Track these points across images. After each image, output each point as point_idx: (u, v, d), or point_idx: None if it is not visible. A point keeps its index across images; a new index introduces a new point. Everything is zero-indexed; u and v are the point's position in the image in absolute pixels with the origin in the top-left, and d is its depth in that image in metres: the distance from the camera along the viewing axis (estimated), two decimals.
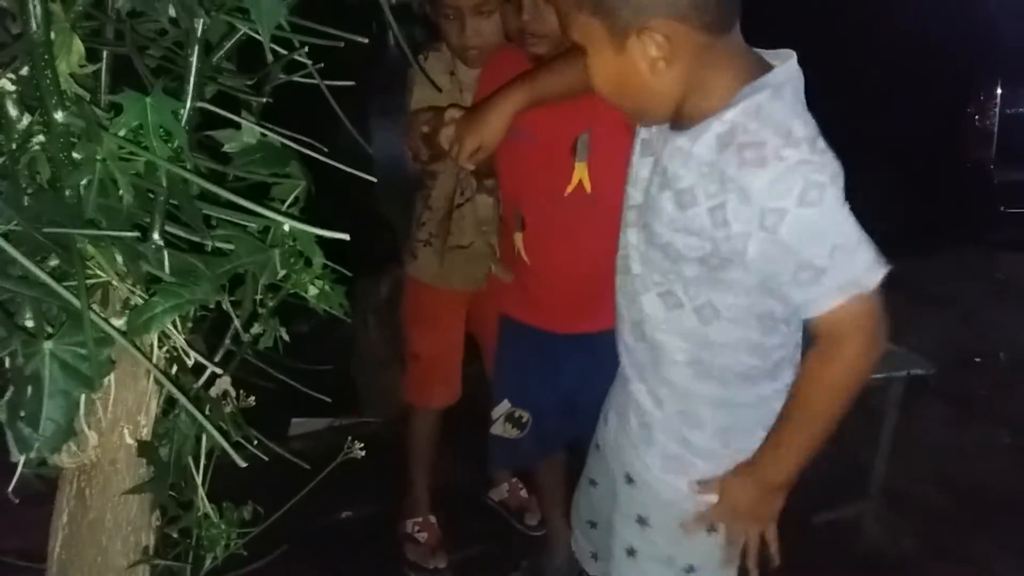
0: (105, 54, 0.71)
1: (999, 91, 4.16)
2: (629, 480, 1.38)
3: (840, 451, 2.83)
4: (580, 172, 1.69)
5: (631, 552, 1.39)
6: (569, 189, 1.70)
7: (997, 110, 4.17)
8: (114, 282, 0.65)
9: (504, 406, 1.97)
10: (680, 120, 1.12)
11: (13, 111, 0.63)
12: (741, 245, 1.07)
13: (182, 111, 0.65)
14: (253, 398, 0.89)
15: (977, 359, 3.65)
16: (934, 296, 4.36)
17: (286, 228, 0.68)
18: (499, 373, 2.02)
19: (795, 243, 1.05)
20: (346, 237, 0.63)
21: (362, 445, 0.90)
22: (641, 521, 1.36)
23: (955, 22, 4.62)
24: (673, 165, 1.12)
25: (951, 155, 4.33)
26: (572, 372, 1.85)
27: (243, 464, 0.76)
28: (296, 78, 0.86)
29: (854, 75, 4.55)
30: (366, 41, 0.76)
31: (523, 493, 2.51)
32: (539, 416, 1.96)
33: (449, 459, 2.42)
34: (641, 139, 1.25)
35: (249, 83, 0.82)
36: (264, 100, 0.85)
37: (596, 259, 1.66)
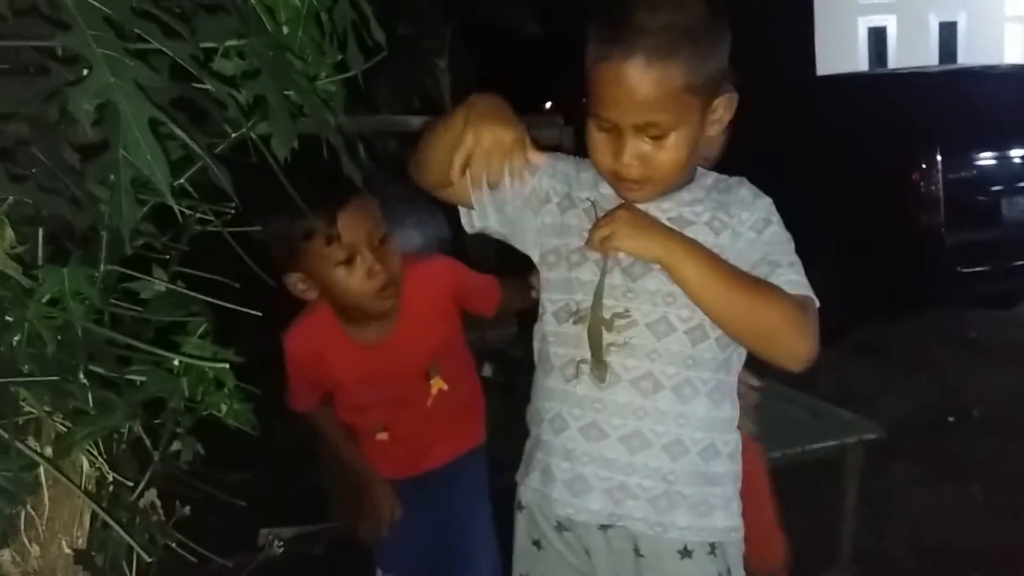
0: (40, 232, 0.88)
1: (939, 159, 4.39)
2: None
3: (809, 521, 2.91)
4: (437, 383, 1.77)
5: None
6: (430, 401, 1.77)
7: (940, 176, 4.38)
8: (42, 416, 0.79)
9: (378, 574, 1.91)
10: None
11: None
12: (737, 245, 1.26)
13: (97, 274, 0.81)
14: (188, 508, 1.01)
15: (951, 418, 3.73)
16: (905, 359, 4.46)
17: (175, 362, 0.83)
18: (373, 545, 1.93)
19: (772, 243, 1.26)
20: (226, 366, 0.78)
21: (281, 543, 1.00)
22: None
23: (893, 103, 4.90)
24: (678, 209, 1.27)
25: (904, 223, 4.52)
26: (437, 509, 1.82)
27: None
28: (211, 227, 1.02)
29: (805, 159, 4.80)
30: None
31: None
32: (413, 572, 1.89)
33: None
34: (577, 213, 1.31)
35: (166, 239, 0.98)
36: (183, 248, 1.02)
37: (470, 388, 1.88)
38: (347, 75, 0.81)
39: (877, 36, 18.01)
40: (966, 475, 3.24)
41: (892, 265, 4.52)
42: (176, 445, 0.91)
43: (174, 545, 0.95)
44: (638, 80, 1.14)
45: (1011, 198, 4.66)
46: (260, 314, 0.89)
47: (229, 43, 0.69)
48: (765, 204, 1.29)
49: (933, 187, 4.38)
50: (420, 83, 7.13)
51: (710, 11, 1.17)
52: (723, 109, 1.24)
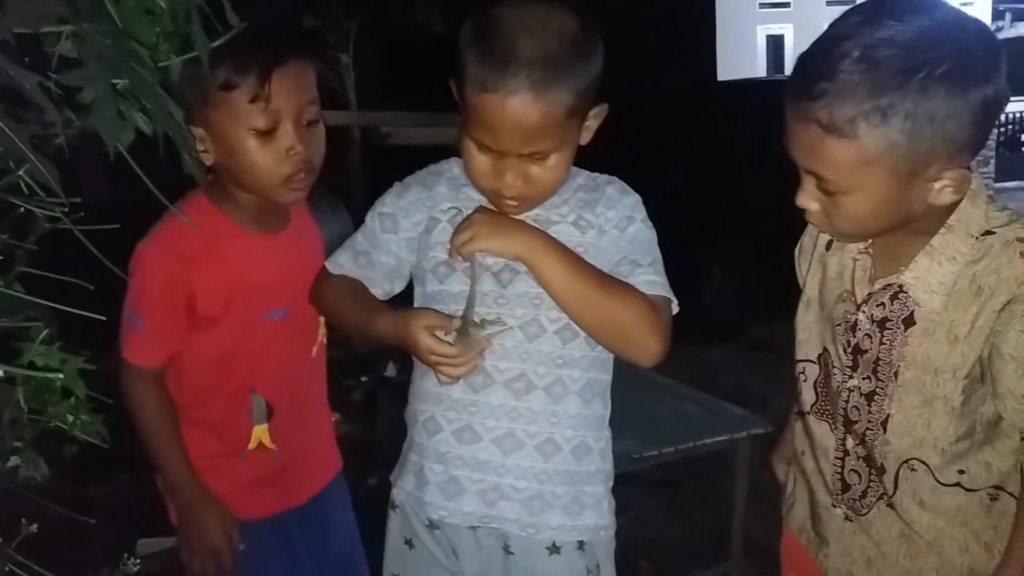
0: None
1: None
2: None
3: (703, 514, 2.96)
4: (322, 326, 1.60)
5: None
6: (315, 349, 1.59)
7: None
8: None
9: None
10: None
11: None
12: (600, 241, 1.28)
13: None
14: (35, 526, 0.94)
15: None
16: None
17: (1, 372, 0.77)
18: None
19: (634, 242, 1.29)
20: (60, 375, 0.73)
21: (137, 561, 0.95)
22: None
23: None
24: (546, 213, 1.28)
25: (797, 225, 4.67)
26: (306, 543, 1.63)
27: None
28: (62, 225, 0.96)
29: (704, 161, 4.91)
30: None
31: None
32: None
33: None
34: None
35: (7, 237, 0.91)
36: (31, 248, 0.95)
37: (326, 406, 1.71)
38: (190, 55, 0.76)
39: (775, 43, 18.71)
40: None
41: (786, 266, 4.67)
42: (14, 460, 0.85)
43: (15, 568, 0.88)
44: (525, 113, 1.14)
45: None
46: (104, 318, 0.83)
47: (50, 28, 0.64)
48: (631, 202, 1.31)
49: None
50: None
51: (584, 26, 1.17)
52: (595, 119, 1.25)
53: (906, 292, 1.18)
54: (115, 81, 0.67)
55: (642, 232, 1.29)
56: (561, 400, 1.26)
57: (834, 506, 1.30)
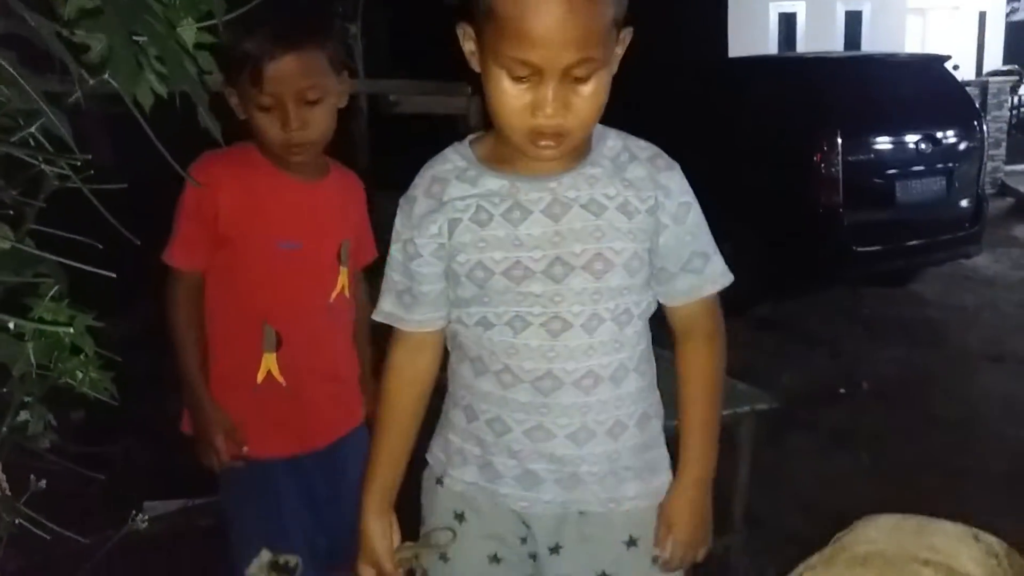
0: None
1: (839, 141, 4.53)
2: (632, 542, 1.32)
3: None
4: (343, 278, 1.69)
5: None
6: (334, 295, 1.68)
7: (840, 158, 4.52)
8: None
9: (264, 556, 1.71)
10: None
11: None
12: (659, 239, 1.26)
13: None
14: (44, 482, 0.95)
15: (842, 390, 3.89)
16: (806, 335, 4.64)
17: (11, 325, 0.77)
18: (244, 524, 1.72)
19: (695, 231, 1.28)
20: (70, 329, 0.73)
21: (145, 518, 0.95)
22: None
23: (799, 85, 5.02)
24: (590, 192, 1.22)
25: (805, 202, 4.65)
26: (325, 487, 1.72)
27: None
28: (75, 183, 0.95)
29: (714, 137, 4.88)
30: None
31: None
32: (308, 553, 1.72)
33: None
34: (465, 219, 1.23)
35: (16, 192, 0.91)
36: (40, 205, 0.95)
37: (350, 360, 1.77)
38: (209, 23, 0.74)
39: (787, 21, 18.57)
40: (855, 444, 3.39)
41: (793, 243, 4.66)
42: (23, 416, 0.85)
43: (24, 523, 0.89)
44: (572, 8, 1.03)
45: (905, 181, 4.85)
46: (114, 275, 0.83)
47: None
48: (680, 183, 1.27)
49: (833, 168, 4.52)
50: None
51: None
52: (623, 44, 1.18)
53: None
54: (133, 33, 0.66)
55: (698, 215, 1.28)
56: (623, 382, 1.27)
57: None
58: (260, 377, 1.65)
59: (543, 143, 1.15)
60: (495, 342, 1.25)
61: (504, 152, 1.24)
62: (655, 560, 1.32)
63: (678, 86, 5.55)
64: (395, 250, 1.30)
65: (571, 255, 1.22)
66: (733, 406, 2.49)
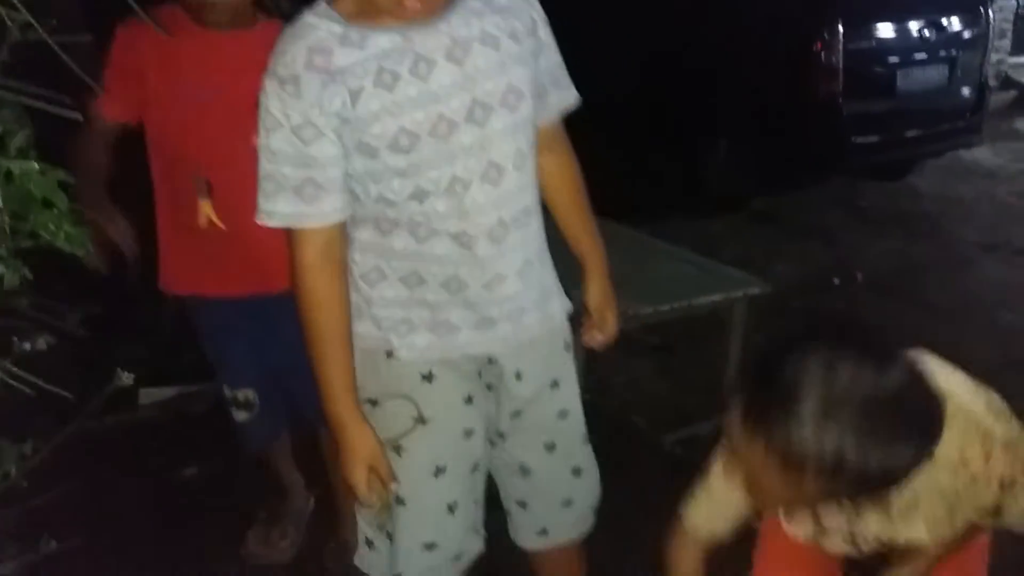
0: None
1: (841, 29, 4.39)
2: (555, 384, 1.48)
3: (688, 374, 3.02)
4: None
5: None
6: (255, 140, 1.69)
7: (841, 47, 4.40)
8: None
9: (226, 391, 1.96)
10: None
11: None
12: (540, 58, 1.33)
13: None
14: (28, 344, 0.95)
15: (836, 281, 3.90)
16: (802, 226, 4.61)
17: None
18: (210, 355, 1.98)
19: (554, 45, 1.37)
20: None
21: (131, 375, 0.96)
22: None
23: None
24: (480, 25, 1.23)
25: (804, 92, 4.55)
26: (284, 333, 1.69)
27: None
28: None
29: (711, 26, 4.75)
30: None
31: None
32: (264, 390, 1.95)
33: None
34: (375, 71, 1.17)
35: None
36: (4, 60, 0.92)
37: None
38: None
39: None
40: None
41: (791, 134, 4.58)
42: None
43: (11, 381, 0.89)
44: None
45: (906, 70, 4.72)
46: (80, 119, 0.81)
47: None
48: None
49: (834, 57, 4.39)
50: None
51: None
52: None
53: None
54: None
55: (550, 35, 1.37)
56: (537, 211, 1.37)
57: None
58: (202, 222, 1.76)
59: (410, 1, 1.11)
60: (439, 212, 1.24)
61: (369, 7, 1.16)
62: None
63: None
64: (279, 141, 1.19)
65: (486, 94, 1.22)
66: (726, 291, 2.51)
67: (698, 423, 2.57)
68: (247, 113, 1.59)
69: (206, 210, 1.76)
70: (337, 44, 1.16)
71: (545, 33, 1.35)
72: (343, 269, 1.30)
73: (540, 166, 1.37)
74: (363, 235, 1.31)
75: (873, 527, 1.24)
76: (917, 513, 1.18)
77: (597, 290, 1.56)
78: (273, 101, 1.18)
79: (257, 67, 1.64)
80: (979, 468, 1.10)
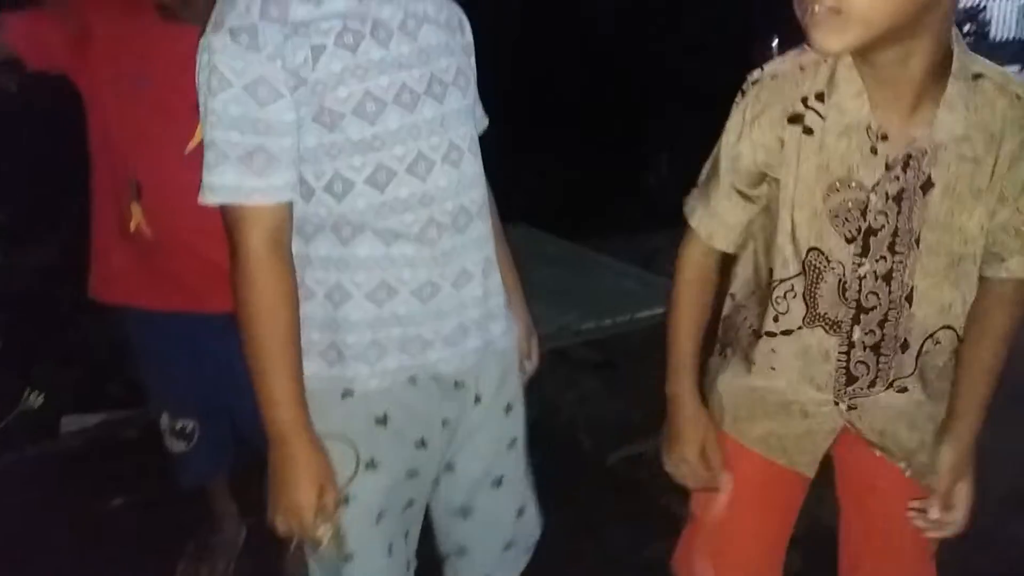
0: None
1: (775, 44, 4.51)
2: (509, 408, 1.38)
3: (631, 391, 3.00)
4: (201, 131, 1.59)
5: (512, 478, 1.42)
6: (191, 145, 1.54)
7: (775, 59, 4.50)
8: None
9: (164, 421, 1.80)
10: None
11: None
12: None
13: None
14: None
15: None
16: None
17: None
18: (148, 382, 1.82)
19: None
20: None
21: (41, 395, 0.88)
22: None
23: None
24: (424, 6, 1.18)
25: None
26: (227, 355, 1.60)
27: None
28: None
29: (653, 40, 4.80)
30: None
31: None
32: (207, 420, 1.80)
33: None
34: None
35: None
36: None
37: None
38: None
39: None
40: None
41: None
42: None
43: None
44: None
45: None
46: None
47: None
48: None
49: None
50: None
51: None
52: None
53: (919, 157, 1.12)
54: None
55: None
56: (484, 218, 1.27)
57: (837, 402, 1.26)
58: (132, 226, 1.62)
59: None
60: (402, 199, 1.14)
61: None
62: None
63: None
64: (226, 102, 1.04)
65: (442, 71, 1.17)
66: (664, 303, 2.49)
67: (642, 441, 2.54)
68: (184, 113, 1.50)
69: (136, 214, 1.62)
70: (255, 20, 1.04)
71: (471, 40, 1.30)
72: (291, 264, 1.12)
73: None
74: (320, 249, 1.16)
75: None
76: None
77: (521, 318, 1.46)
78: (221, 56, 1.03)
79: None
80: None
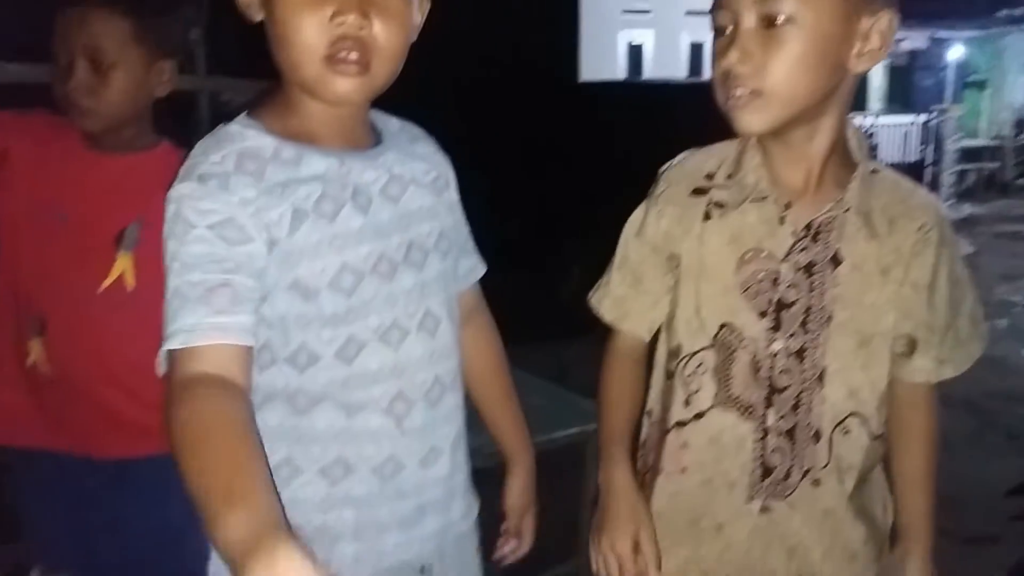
0: None
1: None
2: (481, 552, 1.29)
3: (544, 514, 2.92)
4: (123, 264, 1.48)
5: None
6: (106, 283, 1.48)
7: None
8: None
9: (34, 573, 1.61)
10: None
11: None
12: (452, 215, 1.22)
13: None
14: None
15: None
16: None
17: None
18: (25, 525, 1.64)
19: (461, 210, 1.28)
20: None
21: None
22: None
23: (647, 108, 5.14)
24: (411, 168, 1.13)
25: None
26: (116, 508, 1.54)
27: None
28: None
29: (564, 156, 4.92)
30: None
31: None
32: (87, 570, 1.59)
33: None
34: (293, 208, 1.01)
35: None
36: None
37: (134, 366, 1.40)
38: None
39: (635, 50, 19.54)
40: None
41: None
42: None
43: None
44: None
45: None
46: None
47: None
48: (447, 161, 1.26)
49: None
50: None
51: None
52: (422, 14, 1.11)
53: (826, 230, 1.14)
54: None
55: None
56: (457, 388, 1.21)
57: (751, 499, 1.21)
58: (30, 360, 1.52)
59: (343, 54, 0.96)
60: (372, 371, 1.05)
61: (299, 124, 1.04)
62: None
63: (530, 106, 5.57)
64: (191, 242, 0.94)
65: (422, 237, 1.11)
66: (580, 424, 2.46)
67: (556, 566, 2.46)
68: (98, 249, 1.46)
69: (35, 349, 1.51)
70: (270, 157, 1.00)
71: (456, 196, 1.25)
72: (247, 398, 0.94)
73: (465, 336, 1.24)
74: (271, 419, 1.04)
75: None
76: None
77: (521, 489, 1.38)
78: (188, 201, 0.95)
79: (128, 199, 1.46)
80: None
